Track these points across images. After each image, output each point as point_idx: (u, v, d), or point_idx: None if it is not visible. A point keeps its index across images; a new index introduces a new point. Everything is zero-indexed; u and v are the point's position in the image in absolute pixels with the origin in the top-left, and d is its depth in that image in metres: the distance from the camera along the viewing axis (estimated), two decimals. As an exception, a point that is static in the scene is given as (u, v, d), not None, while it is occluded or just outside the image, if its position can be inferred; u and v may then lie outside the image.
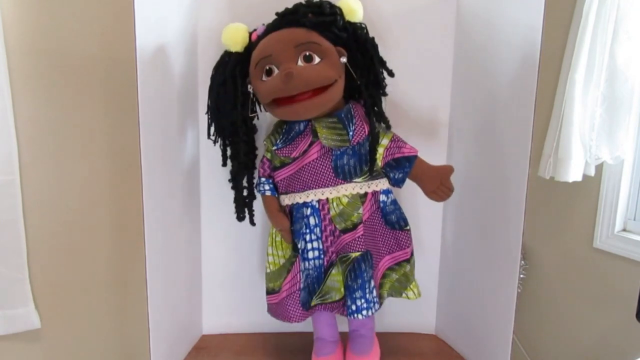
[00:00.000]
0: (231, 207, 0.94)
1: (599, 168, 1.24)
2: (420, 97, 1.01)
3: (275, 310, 0.91)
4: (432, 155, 0.87)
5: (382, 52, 0.85)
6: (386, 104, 0.89)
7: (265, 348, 1.04)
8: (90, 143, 1.14)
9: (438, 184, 0.84)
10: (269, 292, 0.91)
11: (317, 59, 0.78)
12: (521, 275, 1.42)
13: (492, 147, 0.92)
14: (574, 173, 1.20)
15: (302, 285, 0.87)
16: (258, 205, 0.94)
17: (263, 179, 0.90)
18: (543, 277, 1.43)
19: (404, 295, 0.91)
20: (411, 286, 0.90)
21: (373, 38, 0.84)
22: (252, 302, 1.08)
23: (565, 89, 1.19)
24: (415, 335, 1.09)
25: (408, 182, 0.86)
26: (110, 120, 1.14)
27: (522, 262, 1.42)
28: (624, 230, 1.27)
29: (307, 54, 0.77)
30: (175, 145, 0.93)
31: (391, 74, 0.86)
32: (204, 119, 0.91)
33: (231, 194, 0.94)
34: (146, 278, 0.82)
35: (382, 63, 0.85)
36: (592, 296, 1.31)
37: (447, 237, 1.06)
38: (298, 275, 0.87)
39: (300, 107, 0.78)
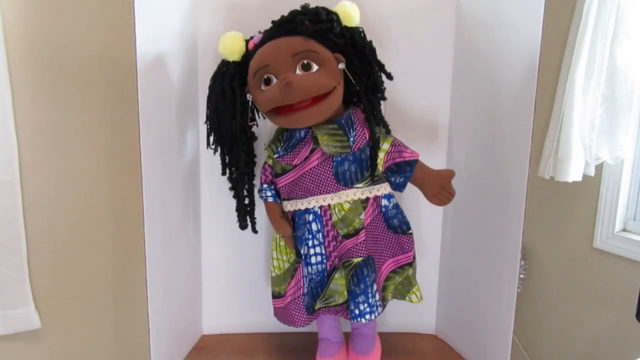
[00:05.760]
0: (231, 206, 0.93)
1: (599, 168, 1.24)
2: (420, 97, 1.01)
3: (280, 314, 0.92)
4: (432, 154, 0.88)
5: (381, 54, 0.83)
6: (386, 107, 0.89)
7: (265, 348, 1.04)
8: (90, 143, 1.14)
9: (439, 188, 0.84)
10: (275, 296, 0.92)
11: (315, 67, 0.77)
12: (521, 275, 1.42)
13: (492, 147, 0.92)
14: (574, 173, 1.20)
15: (305, 291, 0.87)
16: (259, 213, 0.94)
17: (265, 186, 0.89)
18: (543, 277, 1.43)
19: (407, 298, 0.91)
20: (414, 290, 0.90)
21: (371, 42, 0.83)
22: (252, 302, 1.08)
23: (565, 89, 1.19)
24: (415, 335, 1.09)
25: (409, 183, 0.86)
26: (111, 120, 1.14)
27: (522, 262, 1.42)
28: (624, 230, 1.27)
29: (305, 62, 0.76)
30: (175, 145, 0.93)
31: (390, 77, 0.85)
32: (203, 119, 0.91)
33: (231, 194, 0.94)
34: (146, 278, 0.82)
35: (381, 66, 0.84)
36: (592, 296, 1.31)
37: (447, 237, 1.06)
38: (301, 280, 0.87)
39: (300, 116, 0.78)
